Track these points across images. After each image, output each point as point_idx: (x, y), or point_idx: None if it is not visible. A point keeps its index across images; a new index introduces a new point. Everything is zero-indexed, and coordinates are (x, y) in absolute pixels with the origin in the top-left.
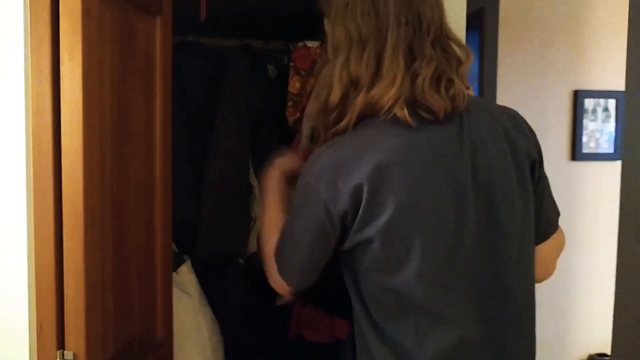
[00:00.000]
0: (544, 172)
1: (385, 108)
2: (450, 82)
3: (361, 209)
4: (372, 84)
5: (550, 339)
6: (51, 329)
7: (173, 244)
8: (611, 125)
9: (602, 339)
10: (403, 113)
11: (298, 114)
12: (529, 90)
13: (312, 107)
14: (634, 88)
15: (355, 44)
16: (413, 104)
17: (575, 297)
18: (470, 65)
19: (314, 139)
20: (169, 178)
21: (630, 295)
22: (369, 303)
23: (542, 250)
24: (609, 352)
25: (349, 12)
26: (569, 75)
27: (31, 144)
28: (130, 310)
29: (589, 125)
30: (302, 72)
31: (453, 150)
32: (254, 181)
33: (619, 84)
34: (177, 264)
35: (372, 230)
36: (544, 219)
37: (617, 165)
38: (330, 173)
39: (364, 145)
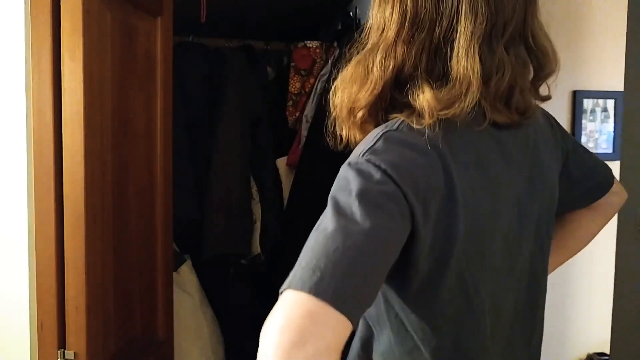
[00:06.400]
0: (571, 146)
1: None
2: (522, 94)
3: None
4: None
5: (550, 338)
6: (52, 328)
7: (174, 244)
8: (610, 126)
9: (601, 338)
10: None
11: (297, 114)
12: None
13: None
14: (632, 88)
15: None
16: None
17: (575, 297)
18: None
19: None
20: (169, 178)
21: (629, 295)
22: None
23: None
24: (608, 351)
25: None
26: (567, 76)
27: (32, 144)
28: (131, 309)
29: (588, 126)
30: (302, 72)
31: (519, 156)
32: (251, 182)
33: (618, 85)
34: (177, 264)
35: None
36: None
37: (617, 165)
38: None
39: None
